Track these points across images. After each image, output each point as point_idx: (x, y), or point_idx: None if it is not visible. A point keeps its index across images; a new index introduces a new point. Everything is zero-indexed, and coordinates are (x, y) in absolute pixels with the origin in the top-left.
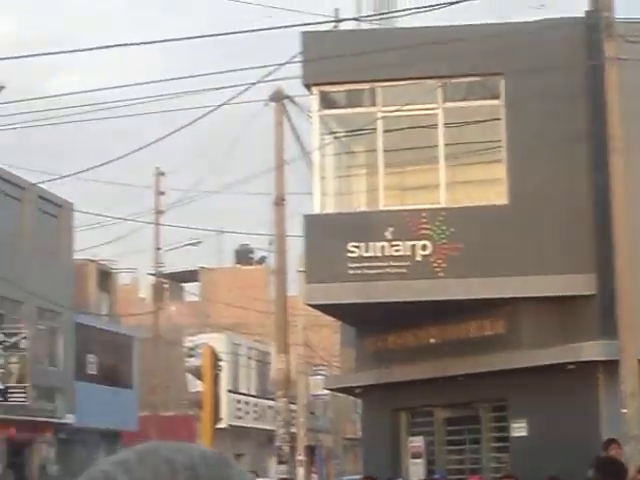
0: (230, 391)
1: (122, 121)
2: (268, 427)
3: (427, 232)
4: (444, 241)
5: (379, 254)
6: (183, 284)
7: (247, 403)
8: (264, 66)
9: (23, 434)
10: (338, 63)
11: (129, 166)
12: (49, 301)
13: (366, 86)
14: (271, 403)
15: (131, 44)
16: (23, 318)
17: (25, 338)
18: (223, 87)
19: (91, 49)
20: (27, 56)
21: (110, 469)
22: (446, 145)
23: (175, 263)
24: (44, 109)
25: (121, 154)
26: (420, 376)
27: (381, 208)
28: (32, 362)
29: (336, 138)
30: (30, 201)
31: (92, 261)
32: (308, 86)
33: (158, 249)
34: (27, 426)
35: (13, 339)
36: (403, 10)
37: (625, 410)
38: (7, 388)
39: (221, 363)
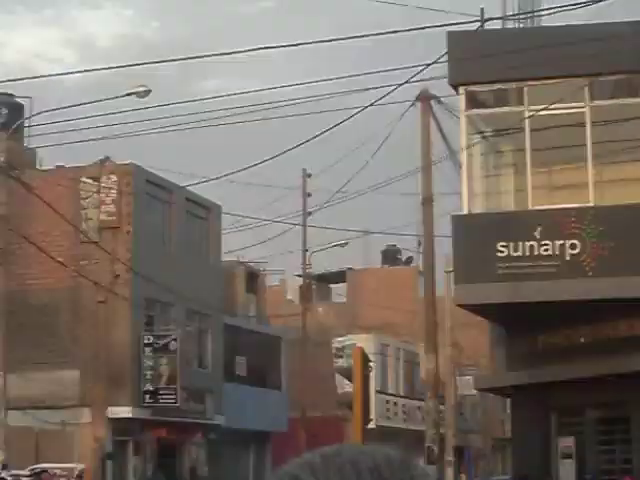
0: (379, 392)
1: (267, 123)
2: (416, 428)
3: (576, 231)
4: (593, 240)
5: (528, 254)
6: (330, 285)
7: (395, 404)
8: (410, 66)
9: (173, 435)
10: (484, 63)
11: (276, 168)
12: (198, 303)
13: (513, 85)
14: (419, 404)
15: (276, 46)
16: (172, 320)
17: (175, 340)
18: (370, 88)
19: (239, 52)
20: (174, 60)
21: (296, 471)
22: (594, 144)
23: (322, 264)
24: (188, 113)
25: (267, 156)
26: (570, 376)
27: (530, 207)
28: (182, 364)
29: (483, 138)
30: (178, 204)
31: (240, 263)
32: (455, 86)
33: (305, 250)
34: (177, 427)
35: (163, 341)
36: (549, 9)
37: None
38: (157, 390)
39: (370, 364)
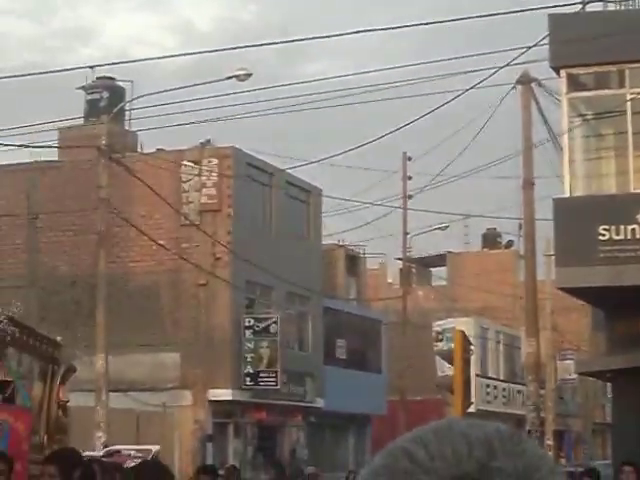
0: (478, 375)
1: (368, 106)
2: (516, 412)
3: None
4: None
5: (630, 237)
6: (430, 268)
7: (495, 387)
8: (511, 49)
9: (273, 418)
10: (586, 45)
11: (376, 151)
12: (298, 286)
13: (614, 68)
14: (519, 387)
15: (375, 30)
16: (273, 303)
17: (275, 322)
18: (471, 71)
19: (338, 35)
20: (274, 43)
21: (408, 445)
22: None
23: (422, 247)
24: (289, 96)
25: (367, 139)
26: None
27: (632, 190)
28: (282, 346)
29: (585, 121)
30: (279, 187)
31: (340, 246)
32: (556, 69)
33: (406, 234)
34: (277, 410)
35: (263, 324)
36: None
37: None
38: (258, 372)
39: (471, 347)
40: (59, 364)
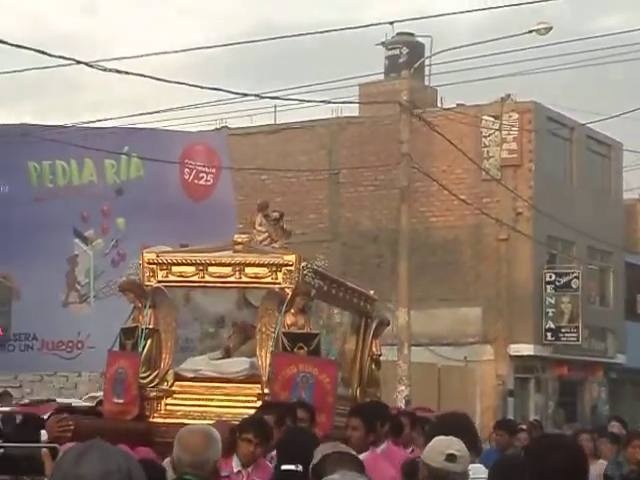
0: None
1: None
2: None
3: None
4: None
5: None
6: None
7: None
8: None
9: (575, 373)
10: None
11: None
12: (599, 241)
13: None
14: None
15: None
16: (574, 258)
17: (577, 278)
18: None
19: None
20: None
21: None
22: None
23: None
24: (588, 49)
25: None
26: None
27: None
28: (583, 302)
29: None
30: (579, 141)
31: None
32: None
33: None
34: (579, 366)
35: (565, 279)
36: None
37: None
38: (559, 328)
39: None
40: (372, 318)
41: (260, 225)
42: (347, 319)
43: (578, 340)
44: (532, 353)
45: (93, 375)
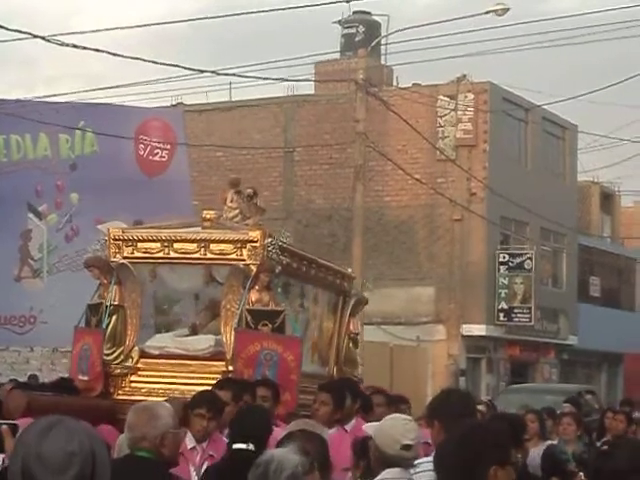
0: None
1: (627, 42)
2: None
3: None
4: None
5: None
6: None
7: None
8: None
9: (526, 354)
10: None
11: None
12: (553, 222)
13: None
14: None
15: None
16: (527, 239)
17: (530, 259)
18: None
19: None
20: None
21: None
22: None
23: None
24: (544, 31)
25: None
26: None
27: None
28: (536, 283)
29: None
30: (534, 122)
31: (595, 183)
32: None
33: None
34: (531, 346)
35: (518, 260)
36: None
37: None
38: (512, 308)
39: None
40: (350, 296)
41: (231, 202)
42: (324, 297)
43: (530, 321)
44: (484, 333)
45: (45, 350)
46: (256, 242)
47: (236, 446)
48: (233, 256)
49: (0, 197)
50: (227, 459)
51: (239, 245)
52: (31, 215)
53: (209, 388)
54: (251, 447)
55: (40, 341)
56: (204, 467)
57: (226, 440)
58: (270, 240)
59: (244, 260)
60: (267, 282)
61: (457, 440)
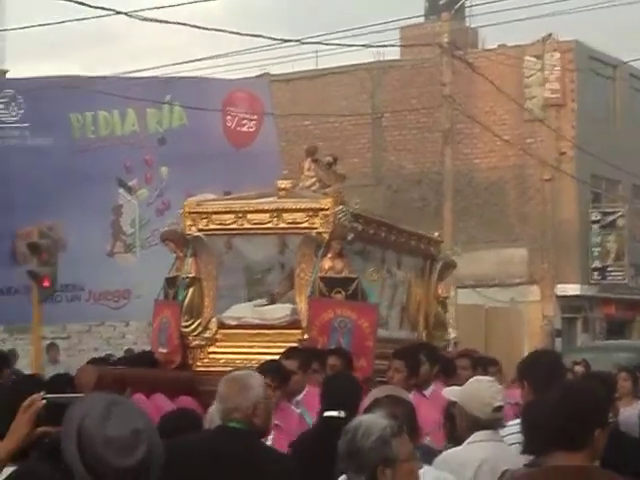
0: None
1: None
2: None
3: None
4: None
5: None
6: None
7: None
8: None
9: (622, 312)
10: None
11: None
12: None
13: None
14: None
15: None
16: (619, 197)
17: (622, 216)
18: None
19: None
20: None
21: None
22: None
23: None
24: None
25: None
26: None
27: None
28: (629, 240)
29: None
30: (622, 79)
31: None
32: None
33: None
34: (626, 305)
35: (610, 218)
36: None
37: None
38: (605, 267)
39: None
40: (437, 260)
41: (309, 170)
42: (409, 262)
43: (624, 279)
44: (579, 293)
45: (140, 324)
46: (327, 210)
47: (327, 414)
48: (305, 225)
49: (89, 173)
50: (318, 426)
51: (311, 213)
52: (122, 190)
53: (273, 358)
54: (342, 414)
55: (135, 315)
56: (271, 436)
57: (296, 410)
58: (341, 207)
59: (316, 228)
60: (339, 249)
61: (555, 403)
